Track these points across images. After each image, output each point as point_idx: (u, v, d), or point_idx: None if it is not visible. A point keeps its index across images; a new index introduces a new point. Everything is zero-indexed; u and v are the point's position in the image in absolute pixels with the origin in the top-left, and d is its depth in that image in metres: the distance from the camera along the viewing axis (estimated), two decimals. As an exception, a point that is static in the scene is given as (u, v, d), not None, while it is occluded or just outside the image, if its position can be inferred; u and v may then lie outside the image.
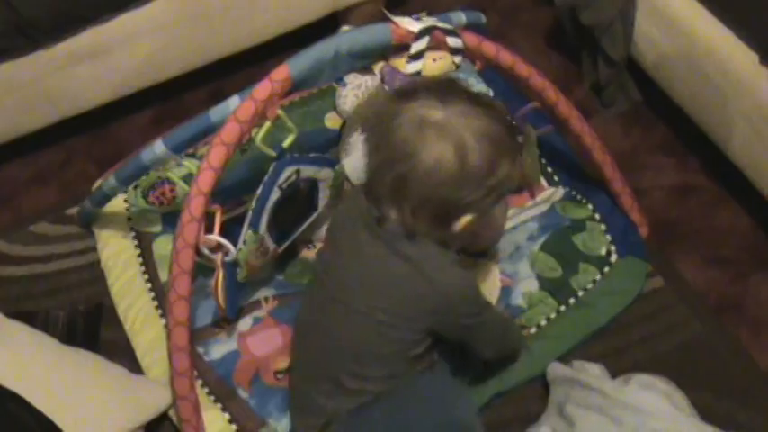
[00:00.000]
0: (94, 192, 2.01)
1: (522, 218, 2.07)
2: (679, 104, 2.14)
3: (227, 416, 1.80)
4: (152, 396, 1.80)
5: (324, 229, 1.98)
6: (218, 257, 1.75)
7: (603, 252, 2.01)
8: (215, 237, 1.72)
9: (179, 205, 1.94)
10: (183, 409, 1.72)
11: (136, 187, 2.03)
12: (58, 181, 2.26)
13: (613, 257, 2.01)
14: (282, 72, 1.62)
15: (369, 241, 1.58)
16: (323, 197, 1.93)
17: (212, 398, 1.83)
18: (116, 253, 2.05)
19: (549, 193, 2.11)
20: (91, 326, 1.95)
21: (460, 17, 1.88)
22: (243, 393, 1.83)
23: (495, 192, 1.54)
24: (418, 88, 1.54)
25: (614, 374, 1.83)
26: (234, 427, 1.79)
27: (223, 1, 2.18)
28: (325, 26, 2.32)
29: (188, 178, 2.02)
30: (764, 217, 2.08)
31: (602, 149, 1.97)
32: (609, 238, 2.03)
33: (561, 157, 2.15)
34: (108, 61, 2.14)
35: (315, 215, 1.93)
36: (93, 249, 2.09)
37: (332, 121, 2.20)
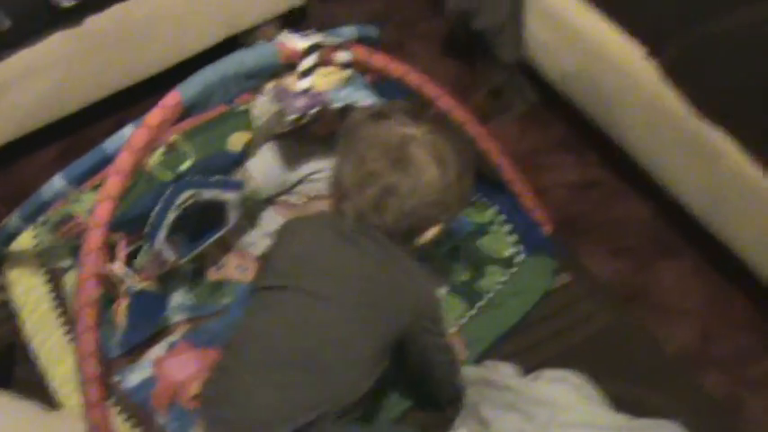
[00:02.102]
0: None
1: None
2: (574, 102, 2.19)
3: (149, 442, 1.82)
4: (67, 429, 1.79)
5: (235, 249, 2.02)
6: (122, 286, 1.77)
7: (509, 253, 2.06)
8: (117, 266, 1.74)
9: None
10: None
11: (44, 223, 2.03)
12: (-36, 222, 2.25)
13: (519, 257, 2.05)
14: (174, 98, 1.66)
15: (347, 249, 1.63)
16: (232, 216, 1.96)
17: (130, 424, 1.83)
18: (27, 290, 2.03)
19: (452, 200, 2.15)
20: (3, 366, 1.95)
21: (352, 31, 1.92)
22: (161, 418, 1.83)
23: (462, 203, 1.69)
24: (390, 109, 1.66)
25: (527, 371, 1.86)
26: (154, 451, 1.81)
27: (119, 32, 2.19)
28: (225, 50, 2.33)
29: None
30: (663, 205, 2.13)
31: (498, 152, 2.01)
32: (513, 238, 2.07)
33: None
34: (8, 98, 2.14)
35: (223, 231, 1.94)
36: (2, 289, 2.07)
37: (234, 144, 2.21)
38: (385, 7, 2.63)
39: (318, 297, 1.61)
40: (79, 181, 1.75)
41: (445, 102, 1.91)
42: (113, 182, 1.62)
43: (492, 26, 2.18)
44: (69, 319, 1.99)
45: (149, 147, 1.65)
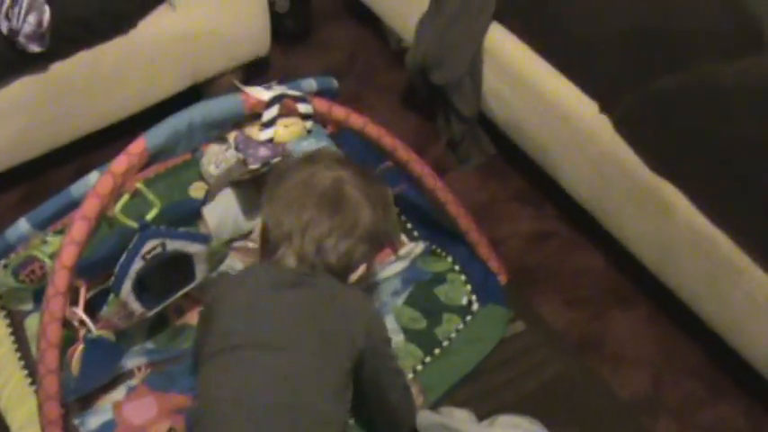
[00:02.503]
0: (-36, 274, 2.02)
1: (385, 274, 2.13)
2: (529, 155, 2.26)
3: (105, 486, 1.83)
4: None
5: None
6: (80, 332, 1.79)
7: (465, 302, 2.09)
8: (78, 311, 1.76)
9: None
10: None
11: (6, 266, 2.04)
12: (-72, 266, 2.24)
13: (475, 306, 2.09)
14: (139, 145, 1.69)
15: (289, 294, 1.64)
16: (199, 270, 1.98)
17: (90, 468, 1.86)
18: (-13, 334, 2.05)
19: (410, 248, 2.17)
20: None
21: (311, 84, 1.97)
22: (121, 462, 1.86)
23: (387, 238, 1.81)
24: (319, 154, 1.74)
25: (482, 418, 1.89)
26: (114, 495, 1.81)
27: (84, 79, 2.23)
28: (189, 97, 2.37)
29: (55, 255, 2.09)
30: (617, 256, 2.19)
31: (455, 203, 2.05)
32: (469, 287, 2.11)
33: (420, 213, 2.21)
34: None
35: (191, 286, 1.97)
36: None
37: (197, 191, 2.24)
38: (346, 59, 2.69)
39: (275, 348, 1.62)
40: (44, 225, 1.78)
41: (402, 154, 1.96)
42: (79, 226, 1.64)
43: (451, 80, 2.24)
44: (30, 362, 1.99)
45: (114, 193, 1.68)
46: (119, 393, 1.94)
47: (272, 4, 2.61)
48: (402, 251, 2.17)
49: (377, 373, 1.72)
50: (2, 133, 2.19)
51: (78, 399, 1.92)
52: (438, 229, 2.19)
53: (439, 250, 2.18)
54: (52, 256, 1.94)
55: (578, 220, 2.23)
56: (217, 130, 1.81)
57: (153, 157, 1.72)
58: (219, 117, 1.77)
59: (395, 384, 1.77)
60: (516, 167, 2.38)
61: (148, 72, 2.32)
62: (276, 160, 1.80)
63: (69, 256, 1.65)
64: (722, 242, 1.84)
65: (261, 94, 1.80)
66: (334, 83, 2.13)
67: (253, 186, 2.09)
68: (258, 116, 1.82)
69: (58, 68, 2.18)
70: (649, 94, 1.93)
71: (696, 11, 2.02)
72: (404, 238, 2.21)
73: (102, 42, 2.21)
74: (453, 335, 2.05)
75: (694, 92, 1.91)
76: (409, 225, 2.23)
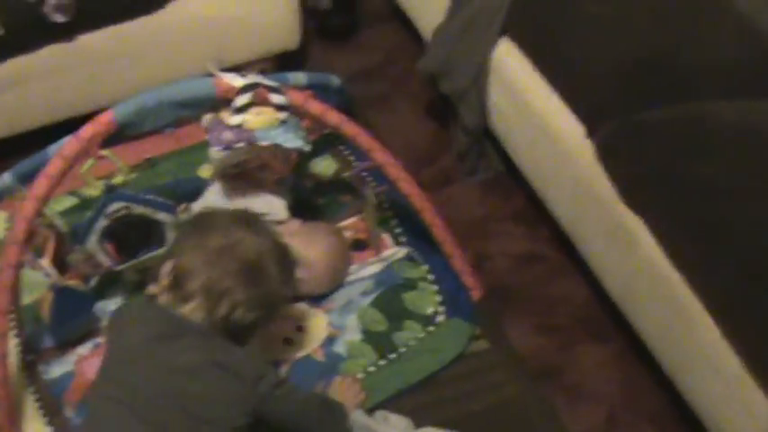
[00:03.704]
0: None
1: (361, 274, 2.17)
2: (523, 173, 2.22)
3: (49, 430, 1.94)
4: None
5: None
6: (49, 281, 1.91)
7: (430, 311, 2.10)
8: (43, 262, 1.88)
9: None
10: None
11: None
12: None
13: (440, 317, 2.09)
14: (107, 116, 1.78)
15: (178, 345, 1.66)
16: (169, 236, 2.07)
17: (42, 412, 1.97)
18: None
19: (392, 252, 2.20)
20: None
21: (299, 78, 2.02)
22: (69, 412, 1.96)
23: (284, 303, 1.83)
24: (224, 214, 1.79)
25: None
26: (54, 440, 1.94)
27: (108, 53, 2.35)
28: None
29: (65, 214, 2.22)
30: (601, 289, 2.09)
31: (431, 212, 2.05)
32: (439, 299, 2.11)
33: (410, 218, 2.20)
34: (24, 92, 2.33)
35: (159, 251, 2.05)
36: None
37: (205, 171, 2.34)
38: (383, 61, 2.71)
39: (143, 419, 1.61)
40: (24, 179, 1.91)
41: (379, 155, 1.97)
42: (41, 183, 1.76)
43: (456, 90, 2.23)
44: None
45: (79, 156, 1.78)
46: (85, 348, 2.07)
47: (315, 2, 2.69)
48: (384, 254, 2.20)
49: (292, 411, 1.75)
50: (27, 96, 2.32)
51: (55, 348, 2.08)
52: (422, 235, 2.17)
53: (418, 258, 2.18)
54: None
55: (571, 246, 2.15)
56: (188, 110, 1.87)
57: (120, 129, 1.80)
58: (190, 98, 1.83)
59: (310, 411, 1.79)
60: (522, 186, 2.32)
61: (173, 53, 2.41)
62: (239, 145, 1.86)
63: (29, 209, 1.77)
64: (679, 285, 1.76)
65: (234, 80, 1.86)
66: (334, 80, 2.17)
67: (243, 182, 2.18)
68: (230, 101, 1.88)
69: (83, 40, 2.29)
70: (631, 123, 1.86)
71: (710, 45, 1.93)
72: (389, 239, 2.24)
73: (129, 20, 2.30)
74: (412, 342, 2.06)
75: (678, 127, 1.82)
76: (398, 230, 2.26)
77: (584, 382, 2.03)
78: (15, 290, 1.83)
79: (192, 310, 1.68)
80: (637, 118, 1.88)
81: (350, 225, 2.27)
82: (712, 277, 1.72)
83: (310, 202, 2.31)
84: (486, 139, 2.34)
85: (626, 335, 2.05)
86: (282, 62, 2.57)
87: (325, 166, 2.40)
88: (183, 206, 2.10)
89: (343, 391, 1.95)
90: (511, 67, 2.14)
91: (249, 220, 1.77)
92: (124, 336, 1.73)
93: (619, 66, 1.93)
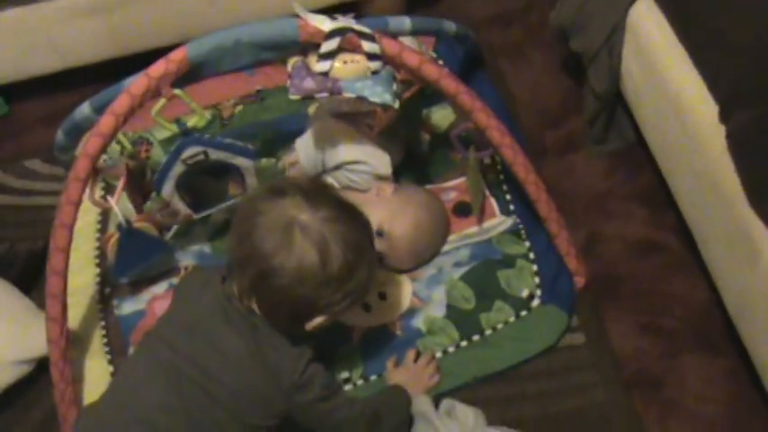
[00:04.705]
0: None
1: (457, 243, 1.98)
2: (650, 148, 1.96)
3: (111, 369, 1.90)
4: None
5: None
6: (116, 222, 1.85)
7: (525, 294, 1.89)
8: (111, 201, 1.80)
9: (154, 164, 2.05)
10: (52, 352, 1.78)
11: (122, 148, 2.12)
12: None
13: (535, 302, 1.88)
14: (179, 53, 1.66)
15: (226, 329, 1.57)
16: (249, 182, 1.95)
17: (107, 349, 1.93)
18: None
19: (497, 222, 2.00)
20: (31, 264, 2.07)
21: (405, 23, 1.82)
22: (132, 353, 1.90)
23: (351, 297, 1.58)
24: (288, 187, 1.56)
25: (493, 423, 1.72)
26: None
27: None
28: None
29: (165, 143, 2.17)
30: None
31: (537, 185, 1.82)
32: (537, 280, 1.90)
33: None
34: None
35: (240, 197, 1.94)
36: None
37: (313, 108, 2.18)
38: (523, 6, 2.45)
39: (205, 373, 1.56)
40: (100, 110, 1.81)
41: (481, 117, 1.74)
42: (107, 120, 1.66)
43: (587, 49, 1.97)
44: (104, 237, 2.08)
45: (147, 95, 1.67)
46: (159, 288, 2.01)
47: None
48: (487, 223, 2.00)
49: (322, 417, 1.63)
50: (84, 30, 2.25)
51: (129, 284, 2.02)
52: (528, 210, 1.96)
53: (523, 232, 1.97)
54: (162, 143, 2.16)
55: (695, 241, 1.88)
56: (269, 53, 1.72)
57: (193, 68, 1.68)
58: (270, 39, 1.66)
59: (348, 418, 1.64)
60: (653, 163, 2.01)
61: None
62: (322, 96, 1.70)
63: (93, 146, 1.68)
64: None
65: (321, 23, 1.68)
66: (447, 26, 1.95)
67: (350, 123, 2.02)
68: (317, 46, 1.71)
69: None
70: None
71: None
72: (495, 206, 2.03)
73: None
74: (500, 326, 1.87)
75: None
76: (509, 196, 2.04)
77: (684, 399, 1.78)
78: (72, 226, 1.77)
79: (232, 285, 1.58)
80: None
81: (456, 185, 2.08)
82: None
83: (421, 156, 2.13)
84: (620, 105, 2.07)
85: (743, 351, 1.76)
86: (413, 1, 2.36)
87: (440, 117, 2.19)
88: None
89: (418, 370, 1.81)
90: (648, 29, 1.86)
91: (285, 189, 1.55)
92: (188, 302, 1.67)
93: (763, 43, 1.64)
